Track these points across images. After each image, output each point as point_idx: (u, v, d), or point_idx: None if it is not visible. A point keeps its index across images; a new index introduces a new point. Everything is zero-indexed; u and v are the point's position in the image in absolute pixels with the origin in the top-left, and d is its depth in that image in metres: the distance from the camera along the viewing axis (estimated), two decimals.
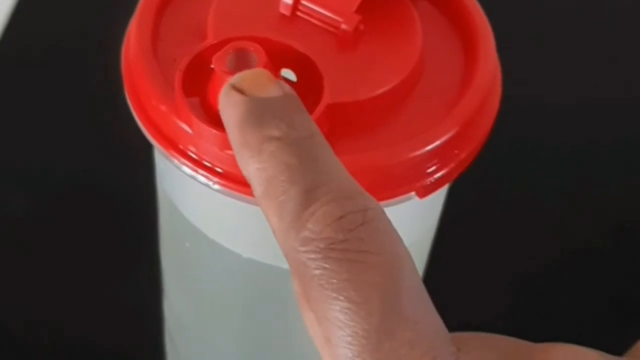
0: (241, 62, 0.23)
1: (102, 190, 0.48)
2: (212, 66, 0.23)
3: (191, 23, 0.27)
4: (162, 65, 0.25)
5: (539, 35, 0.56)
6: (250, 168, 0.21)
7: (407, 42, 0.26)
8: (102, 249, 0.46)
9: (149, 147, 0.29)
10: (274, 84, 0.22)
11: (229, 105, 0.21)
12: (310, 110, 0.23)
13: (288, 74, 0.25)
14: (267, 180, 0.20)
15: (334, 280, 0.19)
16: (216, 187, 0.24)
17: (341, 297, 0.19)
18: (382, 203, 0.24)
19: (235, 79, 0.22)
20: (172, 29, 0.27)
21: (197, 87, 0.24)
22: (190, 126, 0.24)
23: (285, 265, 0.28)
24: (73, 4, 0.56)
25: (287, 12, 0.26)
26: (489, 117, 0.26)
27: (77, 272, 0.45)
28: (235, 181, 0.24)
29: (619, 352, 0.23)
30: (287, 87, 0.22)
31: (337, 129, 0.24)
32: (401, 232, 0.28)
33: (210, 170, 0.24)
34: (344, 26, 0.26)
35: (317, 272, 0.19)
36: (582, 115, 0.53)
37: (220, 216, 0.27)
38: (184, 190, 0.28)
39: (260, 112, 0.21)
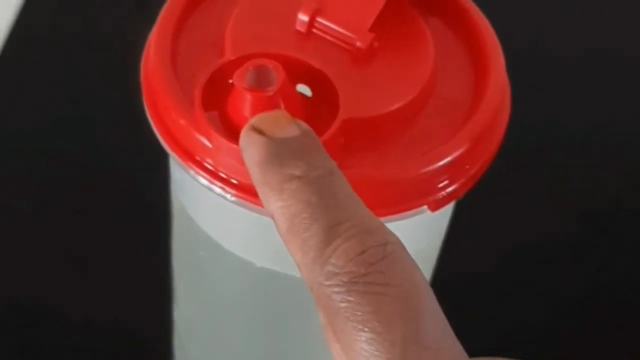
0: (261, 79, 0.24)
1: (108, 184, 0.48)
2: (231, 81, 0.24)
3: (209, 39, 0.27)
4: (180, 79, 0.26)
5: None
6: (273, 206, 0.22)
7: (419, 59, 0.27)
8: (107, 243, 0.46)
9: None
10: (292, 124, 0.22)
11: (249, 146, 0.22)
12: (326, 126, 0.24)
13: (304, 89, 0.25)
14: (290, 218, 0.21)
15: (359, 313, 0.20)
16: (232, 198, 0.25)
17: (366, 329, 0.20)
18: (395, 217, 0.25)
19: (255, 121, 0.23)
20: (190, 44, 0.27)
21: (216, 102, 0.24)
22: (209, 140, 0.24)
23: (298, 274, 0.29)
24: (79, 2, 0.57)
25: (303, 29, 0.27)
26: (499, 133, 0.27)
27: (82, 265, 0.46)
28: (250, 193, 0.25)
29: None
30: (304, 125, 0.23)
31: (352, 144, 0.25)
32: (411, 240, 0.29)
33: (226, 182, 0.25)
34: (358, 43, 0.26)
35: (342, 305, 0.20)
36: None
37: (234, 226, 0.28)
38: (199, 201, 0.28)
39: (280, 152, 0.22)
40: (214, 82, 0.25)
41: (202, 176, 0.25)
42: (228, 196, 0.25)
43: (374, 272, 0.20)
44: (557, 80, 0.55)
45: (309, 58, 0.25)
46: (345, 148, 0.25)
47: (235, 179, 0.25)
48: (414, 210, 0.25)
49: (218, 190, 0.25)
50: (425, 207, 0.25)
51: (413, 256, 0.30)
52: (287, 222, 0.21)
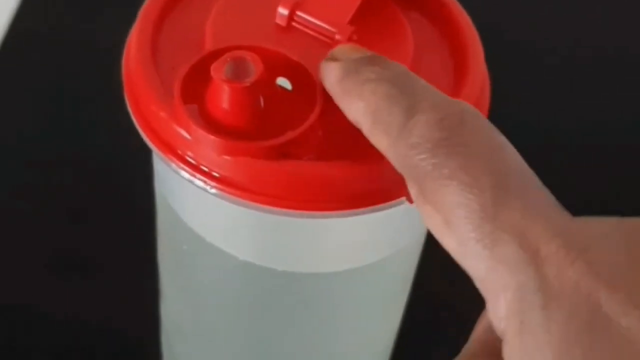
0: (239, 71, 0.24)
1: (107, 185, 0.48)
2: (211, 74, 0.24)
3: (189, 34, 0.28)
4: (161, 73, 0.26)
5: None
6: (356, 108, 0.23)
7: (398, 52, 0.27)
8: (107, 243, 0.46)
9: (148, 149, 0.30)
10: (362, 50, 0.25)
11: (327, 71, 0.24)
12: (305, 117, 0.24)
13: (284, 82, 0.26)
14: (372, 113, 0.23)
15: (445, 170, 0.21)
16: (213, 191, 0.25)
17: (454, 182, 0.21)
18: (374, 208, 0.25)
19: (330, 54, 0.25)
20: (170, 39, 0.27)
21: (196, 95, 0.25)
22: (188, 132, 0.25)
23: (279, 267, 0.29)
24: (75, 2, 0.57)
25: (282, 23, 0.27)
26: None
27: (81, 265, 0.46)
28: (231, 185, 0.25)
29: None
30: (373, 52, 0.25)
31: (331, 136, 0.25)
32: (393, 235, 0.29)
33: (207, 175, 0.25)
34: (337, 36, 0.26)
35: (429, 167, 0.21)
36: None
37: (216, 219, 0.28)
38: (182, 194, 0.29)
39: (355, 66, 0.24)
40: (193, 75, 0.25)
41: (183, 169, 0.25)
42: (209, 189, 0.25)
43: (454, 135, 0.21)
44: (552, 80, 0.55)
45: (289, 51, 0.25)
46: (324, 140, 0.25)
47: (217, 172, 0.25)
48: (391, 202, 0.25)
49: (199, 183, 0.25)
50: (403, 198, 0.25)
51: (396, 257, 0.30)
52: (370, 117, 0.23)
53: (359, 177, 0.25)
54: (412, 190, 0.22)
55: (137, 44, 0.27)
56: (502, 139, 0.22)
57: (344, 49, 0.25)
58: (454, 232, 0.21)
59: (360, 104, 0.23)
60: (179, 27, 0.28)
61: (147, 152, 0.29)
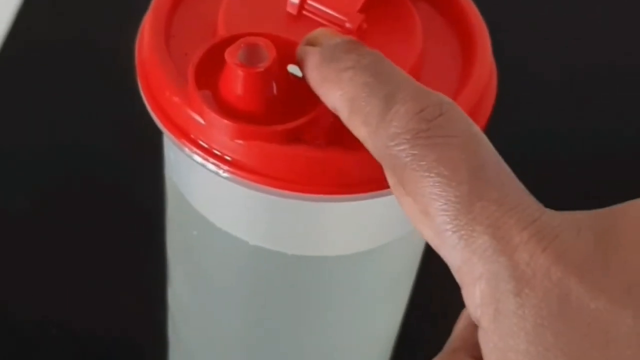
0: (252, 57, 0.24)
1: (106, 185, 0.49)
2: (224, 60, 0.24)
3: (202, 21, 0.28)
4: (174, 59, 0.27)
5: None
6: (333, 96, 0.24)
7: (407, 41, 0.28)
8: (107, 243, 0.47)
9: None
10: (339, 35, 0.25)
11: (305, 55, 0.25)
12: (316, 103, 0.25)
13: (295, 69, 0.26)
14: (350, 100, 0.23)
15: (423, 162, 0.22)
16: (225, 174, 0.25)
17: (432, 174, 0.21)
18: (384, 192, 0.26)
19: (307, 37, 0.25)
20: (183, 26, 0.28)
21: (209, 80, 0.25)
22: (202, 116, 0.25)
23: (289, 251, 0.29)
24: (78, 2, 0.57)
25: (293, 11, 0.27)
26: (484, 116, 0.28)
27: (82, 265, 0.46)
28: (243, 169, 0.25)
29: None
30: (350, 37, 0.25)
31: (339, 124, 0.26)
32: (401, 218, 0.30)
33: (219, 159, 0.25)
34: (348, 25, 0.27)
35: (407, 159, 0.22)
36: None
37: (227, 204, 0.29)
38: (193, 180, 0.29)
39: (332, 53, 0.24)
40: (207, 60, 0.25)
41: (196, 153, 0.26)
42: (222, 172, 0.26)
43: (433, 127, 0.22)
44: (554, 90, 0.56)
45: (300, 39, 0.26)
46: (334, 127, 0.25)
47: (229, 156, 0.25)
48: None
49: (212, 167, 0.26)
50: None
51: (403, 241, 0.31)
52: (348, 105, 0.23)
53: (369, 162, 0.25)
54: (391, 180, 0.23)
55: (151, 30, 0.27)
56: (477, 130, 0.22)
57: (320, 33, 0.25)
58: (432, 223, 0.22)
59: (338, 92, 0.23)
60: (191, 15, 0.28)
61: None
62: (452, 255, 0.21)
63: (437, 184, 0.21)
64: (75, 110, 0.52)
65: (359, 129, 0.23)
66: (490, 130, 0.28)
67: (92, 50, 0.54)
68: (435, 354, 0.24)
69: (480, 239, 0.21)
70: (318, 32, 0.25)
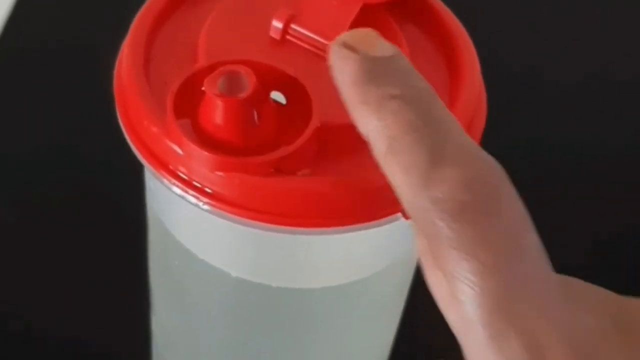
0: (232, 85, 0.23)
1: (98, 192, 0.48)
2: (203, 89, 0.24)
3: (183, 46, 0.27)
4: (153, 87, 0.26)
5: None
6: (372, 125, 0.21)
7: None
8: (96, 252, 0.46)
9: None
10: (385, 43, 0.22)
11: (341, 61, 0.22)
12: (299, 132, 0.24)
13: (278, 96, 0.25)
14: (391, 137, 0.21)
15: (464, 241, 0.20)
16: (205, 207, 0.25)
17: (471, 258, 0.20)
18: (370, 224, 0.25)
19: (345, 36, 0.22)
20: (163, 52, 0.27)
21: (188, 109, 0.24)
22: (181, 147, 0.24)
23: (274, 284, 0.28)
24: (71, 4, 0.57)
25: (277, 36, 0.27)
26: (475, 137, 0.27)
27: (71, 274, 0.45)
28: (224, 201, 0.24)
29: None
30: (396, 47, 0.22)
31: (326, 151, 0.25)
32: (387, 249, 0.29)
33: (199, 191, 0.25)
34: None
35: (447, 232, 0.20)
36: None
37: (209, 236, 0.28)
38: (173, 210, 0.28)
39: (376, 71, 0.21)
40: (186, 89, 0.24)
41: (176, 185, 0.25)
42: (202, 205, 0.25)
43: (480, 201, 0.20)
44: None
45: (283, 65, 0.25)
46: (318, 155, 0.25)
47: (209, 188, 0.25)
48: (387, 218, 0.25)
49: (192, 199, 0.25)
50: (399, 214, 0.25)
51: (392, 266, 0.30)
52: (386, 142, 0.21)
53: (354, 193, 0.24)
54: (420, 244, 0.21)
55: (129, 56, 0.26)
56: (524, 210, 0.21)
57: (361, 36, 0.22)
58: (460, 309, 0.20)
59: (376, 121, 0.21)
60: (171, 41, 0.27)
61: (141, 165, 0.29)
62: (477, 351, 0.20)
63: (474, 271, 0.20)
64: (70, 112, 0.51)
65: (395, 174, 0.21)
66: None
67: (91, 52, 0.53)
68: None
69: (513, 345, 0.19)
70: (359, 32, 0.22)
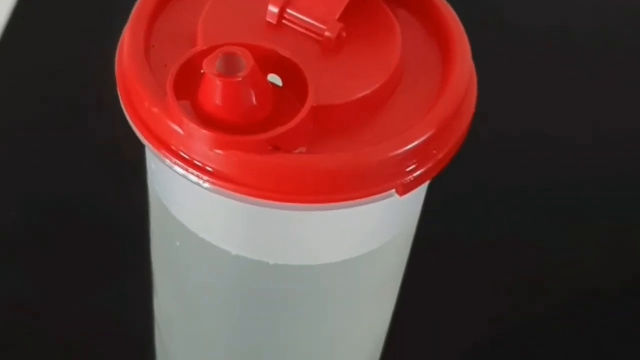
0: (230, 66, 0.24)
1: (94, 201, 0.49)
2: (202, 70, 0.24)
3: (181, 31, 0.28)
4: (154, 70, 0.27)
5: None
6: None
7: (387, 49, 0.28)
8: (91, 259, 0.47)
9: (140, 158, 0.30)
10: None
11: None
12: (296, 112, 0.25)
13: (275, 79, 0.26)
14: None
15: None
16: (206, 185, 0.25)
17: None
18: (364, 200, 0.26)
19: None
20: (163, 37, 0.28)
21: (188, 91, 0.25)
22: (181, 127, 0.25)
23: (273, 261, 0.29)
24: (68, 14, 0.57)
25: (273, 21, 0.27)
26: (465, 119, 0.28)
27: (66, 281, 0.46)
28: (224, 179, 0.25)
29: None
30: None
31: (322, 130, 0.26)
32: (383, 226, 0.30)
33: (200, 169, 0.25)
34: (327, 33, 0.27)
35: None
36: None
37: (209, 214, 0.29)
38: (174, 190, 0.29)
39: None
40: (185, 71, 0.25)
41: (177, 164, 0.26)
42: (203, 183, 0.26)
43: None
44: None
45: (280, 48, 0.26)
46: (314, 134, 0.25)
47: (210, 167, 0.25)
48: (382, 194, 0.26)
49: (193, 177, 0.26)
50: (393, 190, 0.26)
51: (389, 246, 0.30)
52: None
53: (349, 170, 0.25)
54: None
55: (130, 41, 0.27)
56: None
57: None
58: None
59: None
60: (171, 25, 0.28)
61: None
62: None
63: None
64: (70, 112, 0.52)
65: None
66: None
67: (90, 51, 0.53)
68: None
69: None
70: None
